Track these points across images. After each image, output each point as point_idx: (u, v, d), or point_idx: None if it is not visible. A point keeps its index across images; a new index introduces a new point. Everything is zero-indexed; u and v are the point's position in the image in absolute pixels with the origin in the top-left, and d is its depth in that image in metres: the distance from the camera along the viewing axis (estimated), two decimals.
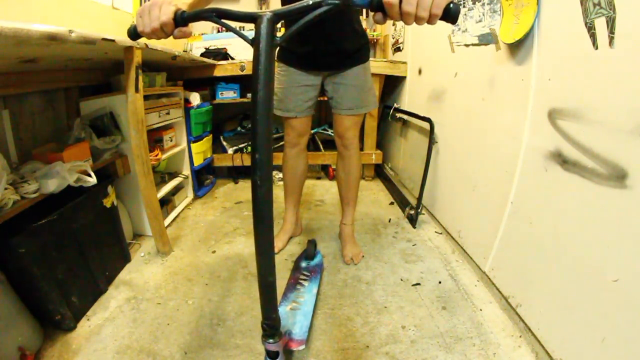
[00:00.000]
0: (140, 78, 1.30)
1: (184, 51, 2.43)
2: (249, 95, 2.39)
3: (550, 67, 0.98)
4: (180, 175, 2.05)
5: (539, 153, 1.02)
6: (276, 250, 1.55)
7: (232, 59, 2.38)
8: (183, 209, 2.04)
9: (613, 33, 0.76)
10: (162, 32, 0.71)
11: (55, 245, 1.06)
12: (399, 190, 2.19)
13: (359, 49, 1.32)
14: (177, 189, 2.05)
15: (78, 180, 1.13)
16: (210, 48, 2.49)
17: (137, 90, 1.29)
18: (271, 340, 0.86)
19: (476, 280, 1.35)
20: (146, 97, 1.48)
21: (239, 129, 2.67)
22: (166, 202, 1.89)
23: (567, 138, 0.91)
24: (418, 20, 0.56)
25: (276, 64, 1.37)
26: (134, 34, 0.74)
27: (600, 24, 0.79)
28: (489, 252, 1.28)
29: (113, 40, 1.04)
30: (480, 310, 1.19)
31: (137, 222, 1.67)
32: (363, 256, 1.52)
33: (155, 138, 1.80)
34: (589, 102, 0.84)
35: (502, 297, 1.19)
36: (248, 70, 2.24)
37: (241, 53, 2.55)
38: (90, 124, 1.45)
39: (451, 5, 0.55)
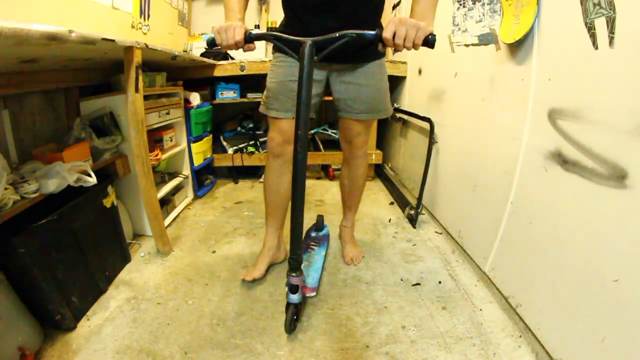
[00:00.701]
0: (140, 78, 1.29)
1: (184, 51, 2.44)
2: (249, 95, 2.40)
3: (550, 67, 0.98)
4: (180, 175, 2.05)
5: (539, 153, 1.02)
6: (250, 278, 1.30)
7: (232, 59, 2.38)
8: (183, 209, 2.04)
9: (613, 33, 0.76)
10: (235, 46, 0.96)
11: (55, 245, 1.06)
12: (399, 190, 2.19)
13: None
14: (177, 189, 2.05)
15: (78, 180, 1.13)
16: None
17: (137, 90, 1.29)
18: (294, 274, 1.03)
19: (476, 280, 1.35)
20: (146, 97, 1.48)
21: (239, 129, 2.67)
22: (166, 202, 1.89)
23: (567, 138, 0.91)
24: (406, 48, 0.85)
25: (273, 55, 1.29)
26: (212, 44, 0.99)
27: (600, 24, 0.79)
28: (489, 252, 1.28)
29: (113, 40, 1.04)
30: (480, 310, 1.19)
31: (137, 222, 1.66)
32: (363, 256, 1.52)
33: (155, 138, 1.80)
34: (589, 102, 0.85)
35: (502, 297, 1.19)
36: (248, 70, 2.24)
37: (241, 53, 2.55)
38: (90, 124, 1.45)
39: (429, 36, 0.83)
